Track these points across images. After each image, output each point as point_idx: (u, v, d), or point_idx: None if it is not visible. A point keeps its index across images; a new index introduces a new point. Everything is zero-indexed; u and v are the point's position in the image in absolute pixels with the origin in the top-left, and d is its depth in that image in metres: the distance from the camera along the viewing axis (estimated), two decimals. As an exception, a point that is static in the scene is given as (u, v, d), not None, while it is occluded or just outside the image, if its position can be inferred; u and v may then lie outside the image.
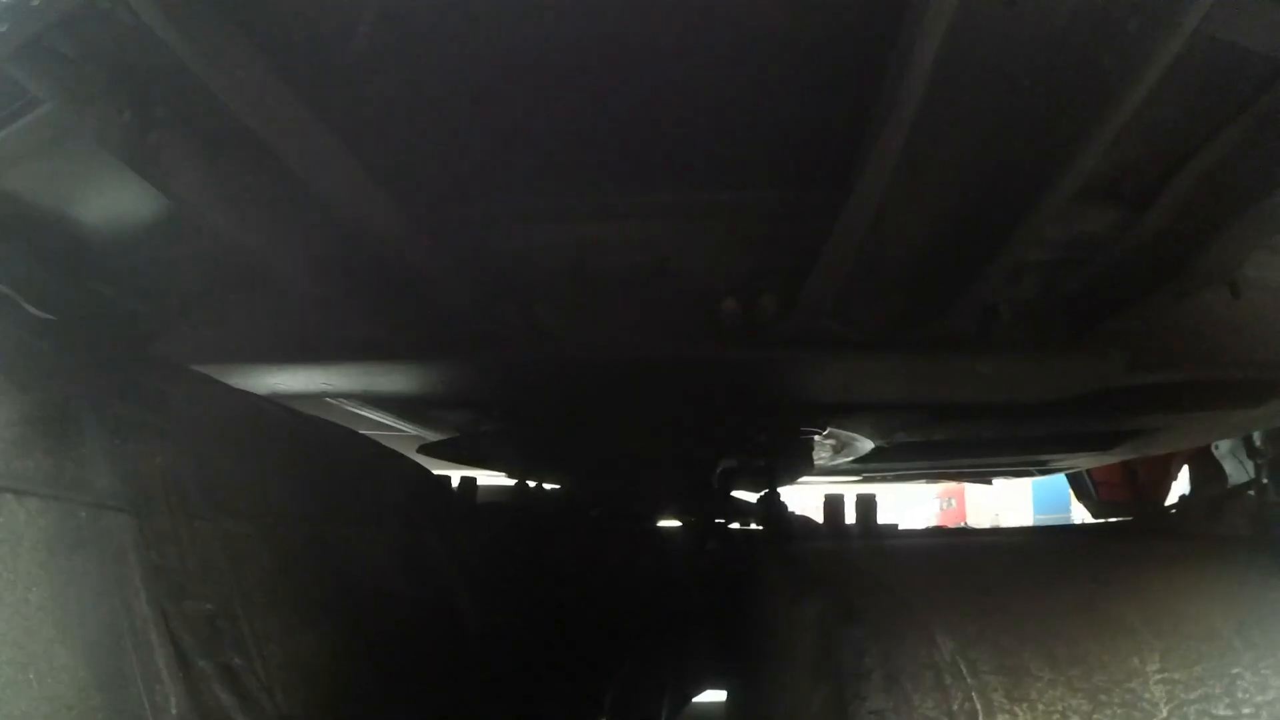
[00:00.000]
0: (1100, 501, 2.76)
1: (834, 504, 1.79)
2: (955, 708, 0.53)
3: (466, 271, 1.09)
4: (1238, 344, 1.21)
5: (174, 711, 0.56)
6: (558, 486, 2.10)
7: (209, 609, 0.63)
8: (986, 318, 1.11)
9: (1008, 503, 6.63)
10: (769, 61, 0.78)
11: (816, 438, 2.01)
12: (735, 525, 1.99)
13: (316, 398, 1.66)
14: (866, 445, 2.19)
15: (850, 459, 2.45)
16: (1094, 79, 0.67)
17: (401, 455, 1.49)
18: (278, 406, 1.12)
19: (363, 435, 1.47)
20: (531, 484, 2.03)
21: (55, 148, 0.80)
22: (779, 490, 2.06)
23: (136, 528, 0.63)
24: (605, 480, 2.01)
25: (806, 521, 1.94)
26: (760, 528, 1.97)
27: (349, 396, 1.66)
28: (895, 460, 2.84)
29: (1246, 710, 0.59)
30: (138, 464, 0.66)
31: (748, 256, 1.11)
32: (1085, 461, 2.56)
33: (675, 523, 2.09)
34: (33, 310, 1.03)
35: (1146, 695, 0.58)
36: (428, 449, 2.05)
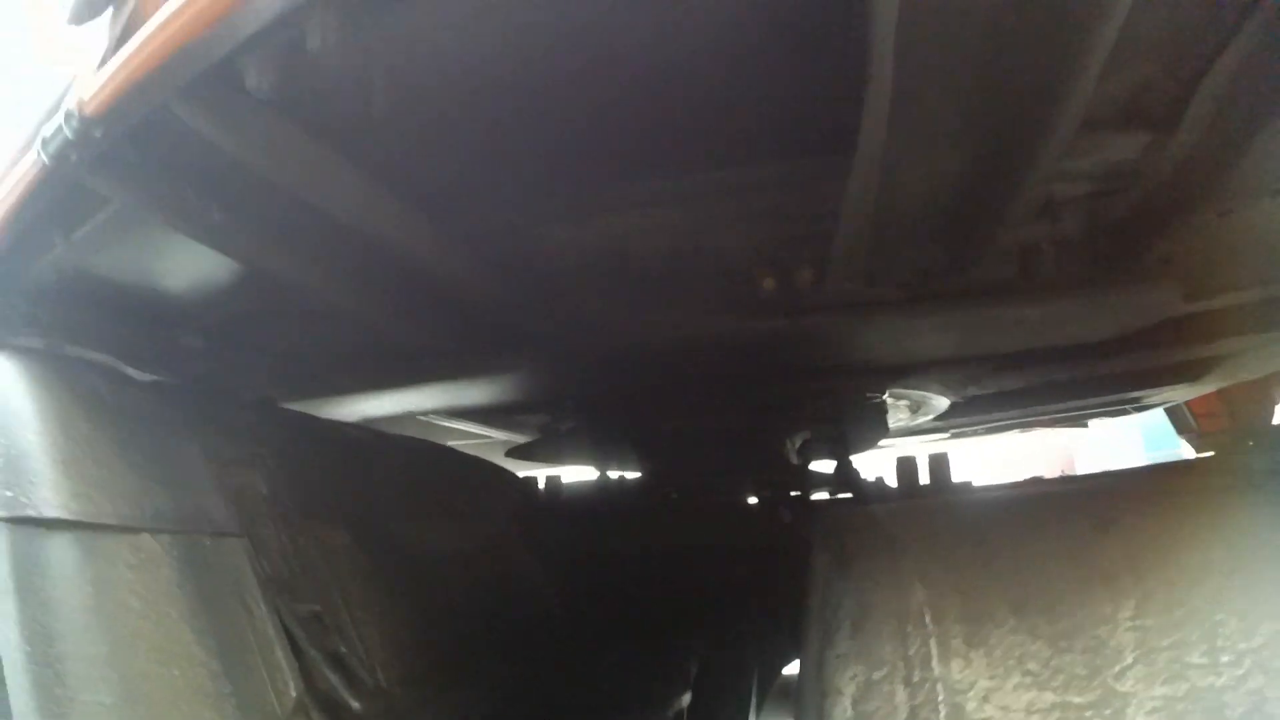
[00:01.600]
0: (1203, 434, 2.63)
1: (907, 466, 1.80)
2: (911, 653, 0.55)
3: (517, 281, 1.16)
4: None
5: (293, 694, 0.68)
6: (638, 475, 2.18)
7: (315, 608, 0.75)
8: (1028, 260, 1.09)
9: (1116, 444, 6.25)
10: (758, 41, 0.80)
11: (888, 399, 2.01)
12: (814, 496, 2.02)
13: (407, 417, 1.81)
14: (942, 402, 2.16)
15: (930, 417, 2.40)
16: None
17: (478, 459, 1.61)
18: (357, 428, 1.26)
19: (440, 445, 1.60)
20: (614, 475, 2.13)
21: (133, 232, 0.93)
22: (851, 457, 2.07)
23: (249, 547, 0.76)
24: (680, 463, 2.05)
25: (880, 486, 1.94)
26: (838, 496, 2.00)
27: (434, 413, 1.80)
28: (979, 413, 2.74)
29: (1225, 658, 0.56)
30: (244, 494, 0.79)
31: (777, 227, 1.12)
32: (1179, 394, 2.42)
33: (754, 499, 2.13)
34: (134, 373, 1.19)
35: (1113, 642, 0.57)
36: (513, 452, 2.18)
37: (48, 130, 0.81)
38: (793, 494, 2.02)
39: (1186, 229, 1.06)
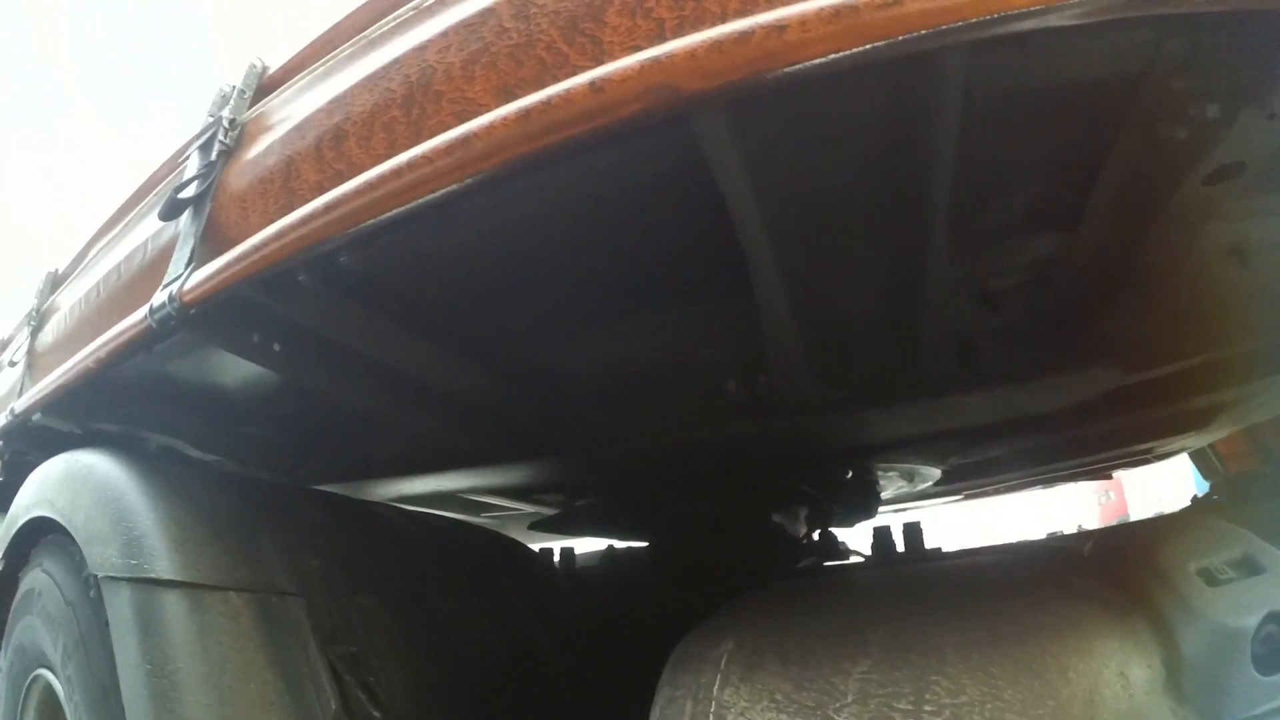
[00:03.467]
0: (1229, 475, 2.59)
1: (881, 535, 1.96)
2: (703, 680, 0.80)
3: (529, 398, 1.39)
4: (1254, 312, 1.21)
5: (333, 708, 0.94)
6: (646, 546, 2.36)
7: (353, 649, 1.02)
8: (966, 353, 1.15)
9: (1169, 483, 5.97)
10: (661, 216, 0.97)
11: (879, 473, 2.15)
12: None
13: (440, 496, 2.06)
14: (933, 472, 2.28)
15: (930, 483, 2.51)
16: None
17: (495, 533, 1.85)
18: (387, 507, 1.53)
19: (460, 520, 1.84)
20: (621, 545, 2.33)
21: (204, 350, 1.21)
22: (840, 528, 2.23)
23: (305, 605, 1.04)
24: (685, 538, 2.21)
25: (854, 553, 2.09)
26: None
27: (462, 492, 2.05)
28: (982, 476, 2.77)
29: (929, 708, 0.75)
30: (299, 563, 1.07)
31: (740, 345, 1.23)
32: (1192, 441, 2.41)
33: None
34: (197, 453, 1.47)
35: (841, 687, 0.77)
36: (535, 525, 2.40)
37: (155, 301, 1.12)
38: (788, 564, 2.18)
39: (1114, 311, 1.11)
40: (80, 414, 1.56)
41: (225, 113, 1.20)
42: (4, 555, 1.64)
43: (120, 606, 1.01)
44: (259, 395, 1.47)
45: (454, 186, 0.76)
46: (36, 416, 1.76)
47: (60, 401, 1.55)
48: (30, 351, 1.89)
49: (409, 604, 1.17)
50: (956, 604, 0.92)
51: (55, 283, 2.01)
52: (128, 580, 1.01)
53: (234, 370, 1.37)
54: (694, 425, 1.41)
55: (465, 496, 2.09)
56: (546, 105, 0.68)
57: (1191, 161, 0.82)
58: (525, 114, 0.69)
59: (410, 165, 0.78)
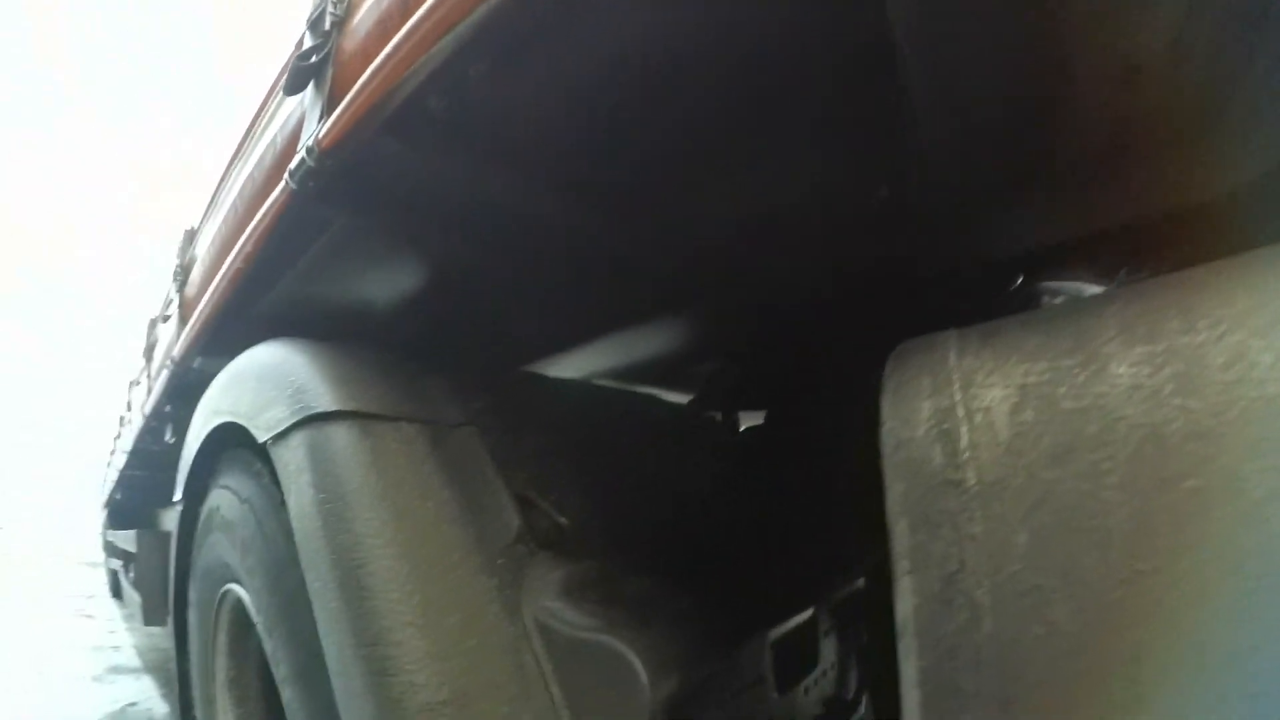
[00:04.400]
0: None
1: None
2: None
3: (668, 247, 1.30)
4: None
5: (515, 527, 0.89)
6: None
7: (532, 473, 0.98)
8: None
9: None
10: None
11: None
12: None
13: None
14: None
15: None
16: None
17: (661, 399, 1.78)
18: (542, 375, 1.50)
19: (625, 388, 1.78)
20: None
21: (345, 257, 1.20)
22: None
23: (479, 434, 0.99)
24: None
25: None
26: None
27: (609, 374, 1.99)
28: None
29: (1203, 322, 0.56)
30: (469, 400, 1.04)
31: (884, 156, 1.14)
32: None
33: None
34: None
35: (1102, 324, 0.61)
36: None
37: (293, 164, 1.11)
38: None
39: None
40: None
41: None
42: (184, 489, 1.71)
43: (290, 455, 0.98)
44: (397, 295, 1.45)
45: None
46: (197, 362, 1.83)
47: (213, 330, 1.60)
48: (182, 304, 1.98)
49: (583, 443, 1.12)
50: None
51: (190, 236, 2.09)
52: (294, 427, 0.97)
53: (378, 277, 1.37)
54: (842, 249, 1.28)
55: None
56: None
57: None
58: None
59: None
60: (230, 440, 1.43)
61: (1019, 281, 1.66)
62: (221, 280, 1.44)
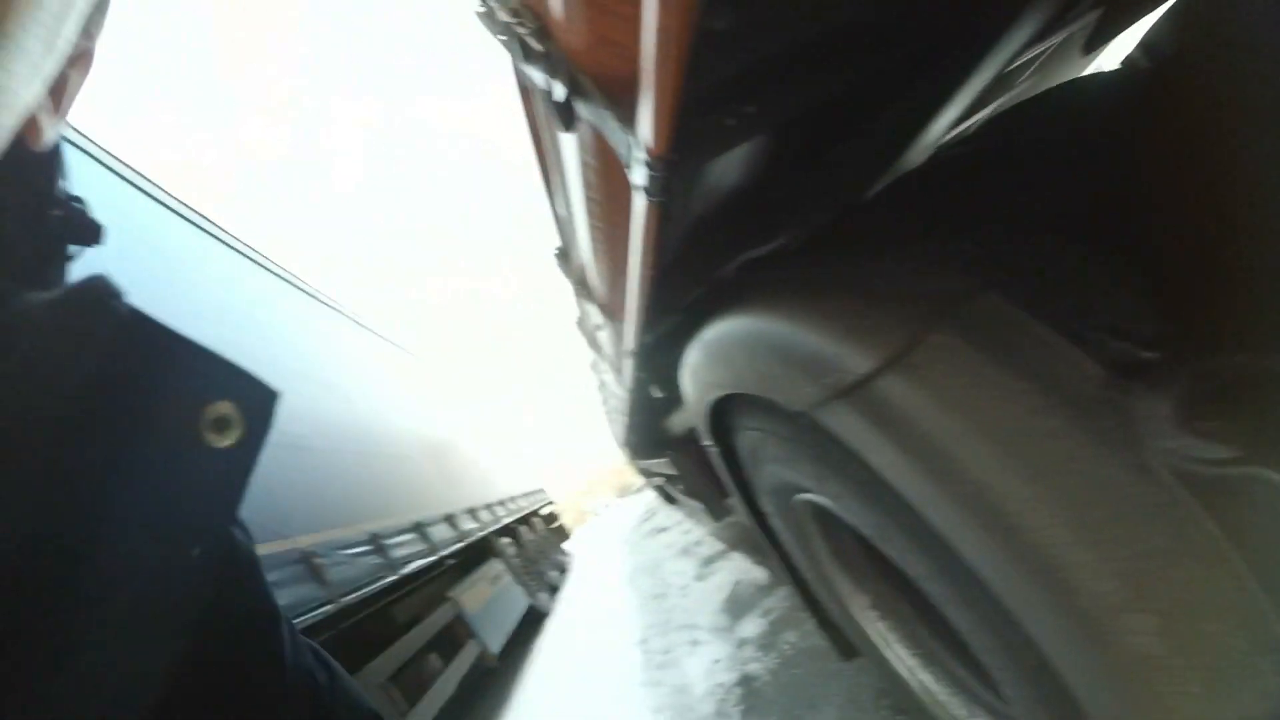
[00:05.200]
0: None
1: None
2: None
3: None
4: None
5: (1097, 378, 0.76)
6: None
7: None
8: None
9: None
10: None
11: None
12: None
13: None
14: None
15: None
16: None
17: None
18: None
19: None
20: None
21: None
22: None
23: (1002, 299, 0.85)
24: None
25: None
26: None
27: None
28: None
29: None
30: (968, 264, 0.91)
31: None
32: None
33: None
34: None
35: None
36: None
37: (638, 180, 1.04)
38: None
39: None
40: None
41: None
42: (711, 437, 1.92)
43: (849, 428, 0.95)
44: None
45: None
46: (646, 340, 2.03)
47: (645, 320, 1.72)
48: (601, 307, 2.21)
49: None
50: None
51: (564, 253, 2.30)
52: (837, 400, 0.94)
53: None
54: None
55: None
56: None
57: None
58: None
59: None
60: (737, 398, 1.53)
61: None
62: (638, 283, 1.51)
